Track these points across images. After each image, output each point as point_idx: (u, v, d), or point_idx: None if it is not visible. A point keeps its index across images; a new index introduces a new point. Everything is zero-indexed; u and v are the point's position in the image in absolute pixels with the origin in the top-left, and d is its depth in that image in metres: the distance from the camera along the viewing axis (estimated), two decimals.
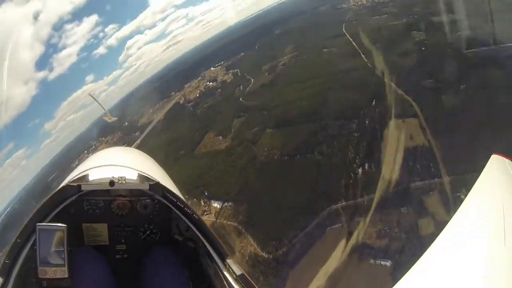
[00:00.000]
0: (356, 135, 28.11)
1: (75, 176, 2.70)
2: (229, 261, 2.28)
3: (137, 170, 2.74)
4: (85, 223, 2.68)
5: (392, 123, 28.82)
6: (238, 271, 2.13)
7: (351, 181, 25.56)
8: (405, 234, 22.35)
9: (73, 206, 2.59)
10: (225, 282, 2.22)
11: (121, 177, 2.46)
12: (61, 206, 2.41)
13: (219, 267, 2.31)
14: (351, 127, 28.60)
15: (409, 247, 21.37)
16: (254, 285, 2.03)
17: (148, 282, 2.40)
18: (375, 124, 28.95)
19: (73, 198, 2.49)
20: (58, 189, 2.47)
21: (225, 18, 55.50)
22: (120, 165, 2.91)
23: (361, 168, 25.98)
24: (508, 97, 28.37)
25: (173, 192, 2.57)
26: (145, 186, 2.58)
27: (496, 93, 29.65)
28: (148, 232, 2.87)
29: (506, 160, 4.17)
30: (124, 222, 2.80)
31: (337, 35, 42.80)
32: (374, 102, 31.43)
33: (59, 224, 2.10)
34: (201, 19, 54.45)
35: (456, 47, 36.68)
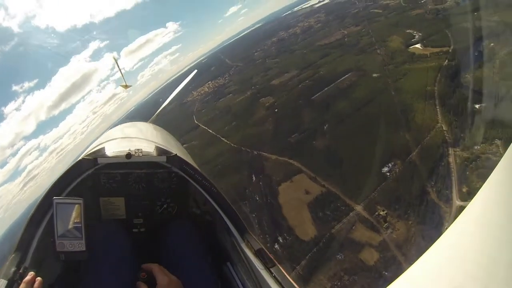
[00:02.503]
0: (254, 215, 27.39)
1: (92, 149, 2.55)
2: (247, 235, 2.19)
3: (154, 143, 2.69)
4: (102, 197, 2.56)
5: (281, 188, 28.72)
6: (256, 246, 2.06)
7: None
8: (355, 275, 21.95)
9: (90, 180, 2.46)
10: (243, 257, 2.14)
11: (138, 150, 2.37)
12: (78, 180, 2.31)
13: (237, 241, 2.22)
14: (241, 211, 27.82)
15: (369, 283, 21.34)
16: (273, 259, 1.93)
17: (169, 257, 2.19)
18: (266, 197, 28.65)
19: (90, 171, 2.38)
20: (74, 163, 2.34)
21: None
22: (137, 137, 2.98)
23: (277, 244, 25.25)
24: (360, 119, 32.97)
25: (191, 165, 2.48)
26: (163, 159, 2.46)
27: (352, 120, 33.21)
28: (165, 206, 2.72)
29: None
30: (141, 195, 2.65)
31: (192, 128, 43.23)
32: (254, 177, 31.08)
33: (76, 198, 2.03)
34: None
35: (304, 96, 40.07)
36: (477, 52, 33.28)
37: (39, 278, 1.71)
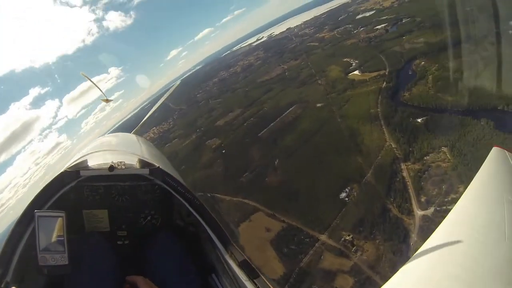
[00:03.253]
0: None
1: (74, 162, 2.46)
2: (231, 247, 2.16)
3: (137, 155, 2.65)
4: (85, 209, 2.49)
5: (241, 228, 28.49)
6: (240, 257, 2.02)
7: None
8: None
9: (72, 192, 2.39)
10: (227, 268, 2.11)
11: (121, 162, 2.31)
12: (60, 193, 2.24)
13: (221, 252, 2.18)
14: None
15: None
16: (257, 271, 1.92)
17: (153, 269, 2.11)
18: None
19: (72, 184, 2.31)
20: (56, 175, 2.26)
21: None
22: (120, 150, 2.96)
23: None
24: (310, 149, 33.58)
25: (173, 177, 2.42)
26: (145, 171, 2.39)
27: (301, 152, 33.88)
28: (149, 218, 2.64)
29: (507, 153, 4.11)
30: (124, 207, 2.58)
31: None
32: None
33: (58, 211, 1.99)
34: None
35: (250, 134, 40.13)
36: (411, 71, 35.96)
37: None
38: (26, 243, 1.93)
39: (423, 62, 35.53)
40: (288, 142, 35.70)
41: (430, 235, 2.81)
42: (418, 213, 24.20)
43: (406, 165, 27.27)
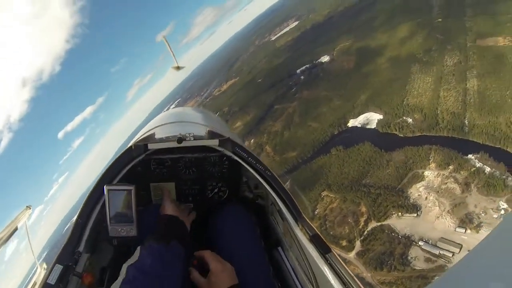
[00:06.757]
0: None
1: (142, 135, 2.51)
2: (302, 220, 2.05)
3: (205, 126, 2.58)
4: (152, 182, 2.51)
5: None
6: (312, 231, 1.93)
7: None
8: None
9: (141, 165, 2.42)
10: (296, 242, 2.07)
11: (189, 134, 2.27)
12: (129, 166, 2.26)
13: (291, 226, 2.11)
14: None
15: None
16: (328, 246, 1.84)
17: (220, 241, 2.16)
18: None
19: (140, 157, 2.30)
20: (125, 149, 2.29)
21: None
22: (188, 121, 2.89)
23: None
24: None
25: (244, 147, 2.35)
26: (215, 142, 2.34)
27: None
28: (216, 190, 2.69)
29: None
30: (191, 180, 2.61)
31: None
32: None
33: (127, 184, 2.04)
34: None
35: None
36: None
37: None
38: (97, 215, 2.03)
39: None
40: None
41: None
42: None
43: None
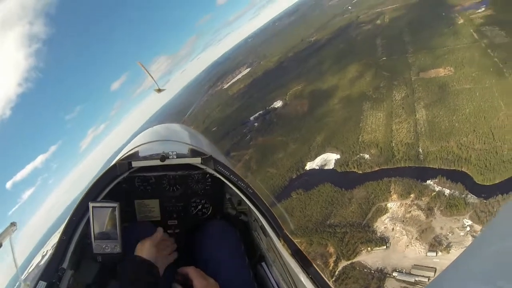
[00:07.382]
0: None
1: (126, 153, 2.60)
2: (284, 236, 2.19)
3: (188, 144, 2.69)
4: (137, 199, 2.64)
5: None
6: (293, 247, 2.07)
7: None
8: None
9: (125, 183, 2.53)
10: (279, 257, 2.17)
11: (172, 152, 2.40)
12: (113, 184, 2.37)
13: (273, 241, 2.23)
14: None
15: None
16: (310, 261, 1.93)
17: (204, 258, 2.26)
18: None
19: (124, 175, 2.42)
20: (109, 167, 2.39)
21: None
22: (171, 139, 2.96)
23: None
24: None
25: (225, 165, 2.48)
26: (197, 160, 2.48)
27: None
28: (199, 207, 2.80)
29: None
30: (175, 197, 2.73)
31: None
32: None
33: (112, 202, 2.10)
34: None
35: None
36: None
37: None
38: (82, 232, 2.11)
39: None
40: None
41: None
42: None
43: None
